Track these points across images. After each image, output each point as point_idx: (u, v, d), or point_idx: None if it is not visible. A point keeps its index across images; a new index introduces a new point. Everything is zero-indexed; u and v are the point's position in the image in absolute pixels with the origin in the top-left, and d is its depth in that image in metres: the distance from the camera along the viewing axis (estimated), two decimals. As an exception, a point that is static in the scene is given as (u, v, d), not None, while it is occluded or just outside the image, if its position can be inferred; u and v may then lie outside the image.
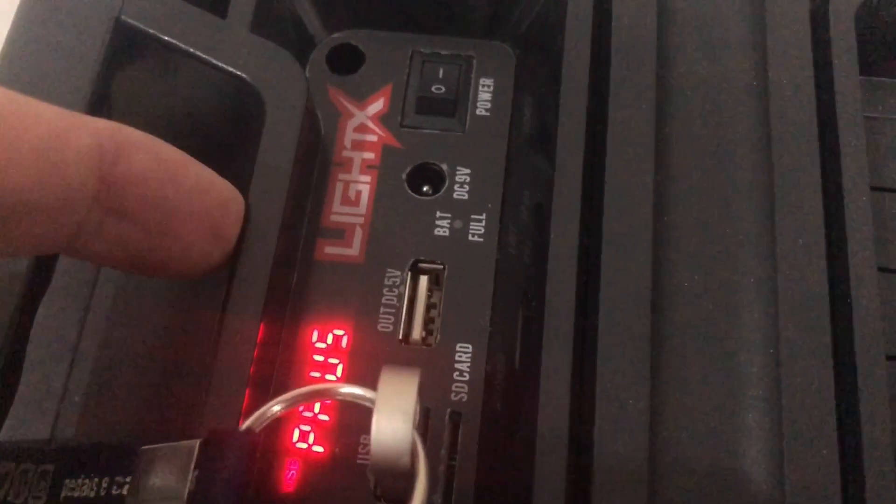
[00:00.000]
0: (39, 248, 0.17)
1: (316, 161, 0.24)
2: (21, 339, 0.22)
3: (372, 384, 0.20)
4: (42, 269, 0.22)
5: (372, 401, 0.17)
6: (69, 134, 0.17)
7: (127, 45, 0.24)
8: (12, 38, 0.25)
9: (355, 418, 0.21)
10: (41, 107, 0.17)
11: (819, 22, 0.24)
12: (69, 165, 0.17)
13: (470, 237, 0.24)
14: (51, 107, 0.17)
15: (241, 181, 0.23)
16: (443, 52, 0.26)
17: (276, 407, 0.18)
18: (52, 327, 0.24)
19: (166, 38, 0.23)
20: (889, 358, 0.21)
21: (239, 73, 0.23)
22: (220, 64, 0.23)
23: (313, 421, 0.21)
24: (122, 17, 0.23)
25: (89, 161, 0.17)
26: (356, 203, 0.24)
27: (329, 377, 0.22)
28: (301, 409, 0.21)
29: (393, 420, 0.16)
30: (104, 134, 0.17)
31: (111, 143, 0.17)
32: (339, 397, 0.18)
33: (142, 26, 0.23)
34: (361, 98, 0.26)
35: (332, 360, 0.22)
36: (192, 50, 0.23)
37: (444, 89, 0.25)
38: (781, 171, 0.22)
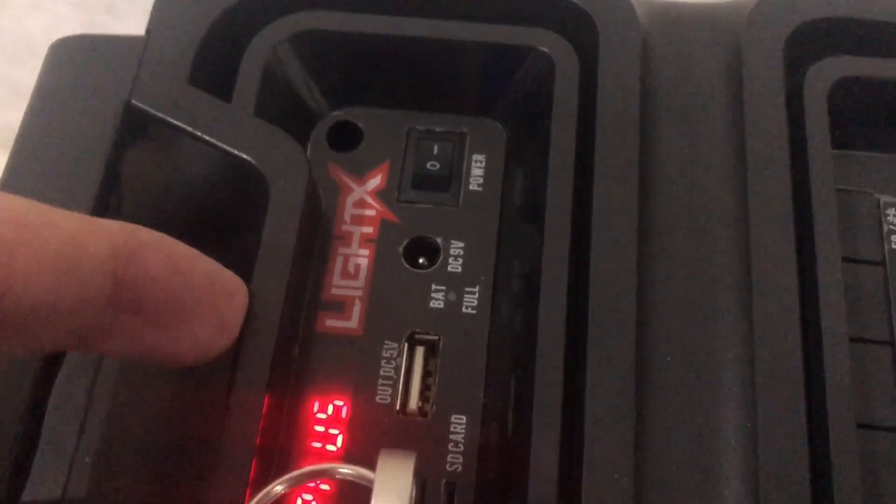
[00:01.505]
0: (53, 347, 0.18)
1: (317, 236, 0.26)
2: (38, 409, 0.23)
3: (371, 455, 0.21)
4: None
5: (371, 481, 0.18)
6: (86, 241, 0.18)
7: (136, 128, 0.25)
8: (28, 120, 0.26)
9: (356, 488, 0.22)
10: (59, 214, 0.18)
11: (794, 100, 0.26)
12: (86, 271, 0.17)
13: (464, 309, 0.25)
14: (67, 214, 0.18)
15: (245, 259, 0.24)
16: (437, 129, 0.27)
17: (278, 487, 0.19)
18: (63, 389, 0.25)
19: (174, 121, 0.24)
20: (861, 426, 0.22)
21: (244, 155, 0.24)
22: (225, 147, 0.24)
23: (315, 491, 0.22)
24: (133, 101, 0.25)
25: (105, 266, 0.18)
26: (355, 276, 0.25)
27: (329, 447, 0.23)
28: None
29: (390, 504, 0.18)
30: (119, 239, 0.18)
31: (125, 247, 0.18)
32: (340, 477, 0.19)
33: (151, 110, 0.25)
34: (360, 174, 0.27)
35: (333, 431, 0.23)
36: (198, 133, 0.24)
37: (438, 165, 0.27)
38: (758, 246, 0.23)
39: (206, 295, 0.20)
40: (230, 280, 0.21)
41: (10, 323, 0.17)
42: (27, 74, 0.51)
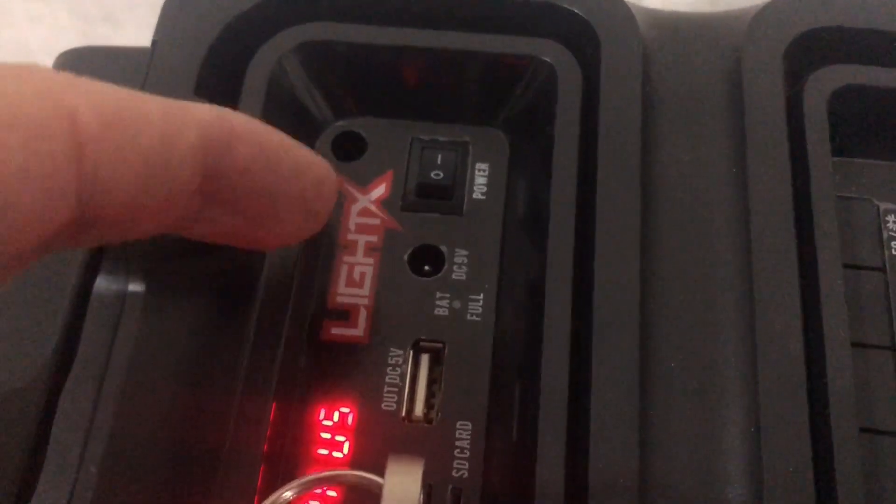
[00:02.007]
0: (138, 236, 0.18)
1: (322, 245, 0.26)
2: (46, 420, 0.23)
3: (377, 462, 0.21)
4: (66, 353, 0.24)
5: (379, 487, 0.18)
6: (176, 135, 0.17)
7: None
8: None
9: (363, 495, 0.22)
10: (148, 104, 0.17)
11: (794, 108, 0.26)
12: (175, 167, 0.17)
13: (468, 316, 0.25)
14: (158, 103, 0.17)
15: (253, 264, 0.24)
16: (441, 139, 0.28)
17: (287, 493, 0.19)
18: (68, 399, 0.25)
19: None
20: (863, 431, 0.23)
21: (249, 165, 0.24)
22: (231, 157, 0.24)
23: (322, 497, 0.23)
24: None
25: (195, 159, 0.17)
26: (360, 285, 0.25)
27: (336, 454, 0.23)
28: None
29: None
30: (210, 128, 0.17)
31: (217, 138, 0.17)
32: (348, 483, 0.19)
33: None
34: (364, 183, 0.27)
35: (339, 438, 0.23)
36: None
37: (442, 174, 0.27)
38: (759, 252, 0.24)
39: (296, 185, 0.20)
40: (320, 167, 0.21)
41: (94, 221, 0.16)
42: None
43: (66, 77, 0.16)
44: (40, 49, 0.51)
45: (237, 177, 0.18)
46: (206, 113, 0.18)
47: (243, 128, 0.18)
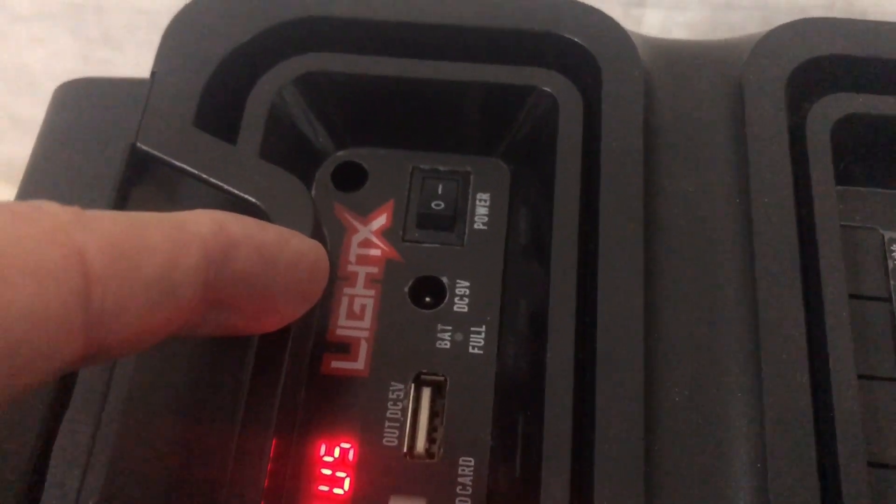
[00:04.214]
0: (143, 349, 0.18)
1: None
2: (45, 452, 0.23)
3: (379, 499, 0.21)
4: (64, 389, 0.23)
5: (380, 528, 0.18)
6: (179, 258, 0.17)
7: (142, 171, 0.25)
8: (34, 163, 0.26)
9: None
10: (152, 232, 0.17)
11: (797, 137, 0.26)
12: (179, 289, 0.17)
13: (470, 349, 0.25)
14: (160, 225, 0.17)
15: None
16: (441, 169, 0.28)
17: (288, 534, 0.19)
18: (67, 432, 0.25)
19: (179, 164, 0.24)
20: (871, 465, 0.22)
21: (249, 197, 0.24)
22: (230, 189, 0.24)
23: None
24: (138, 143, 0.25)
25: (197, 278, 0.18)
26: (361, 317, 0.25)
27: (337, 490, 0.23)
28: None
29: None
30: (210, 244, 0.18)
31: (217, 251, 0.18)
32: (349, 523, 0.19)
33: (156, 153, 0.25)
34: (365, 214, 0.27)
35: (340, 474, 0.23)
36: (203, 175, 0.24)
37: (443, 205, 0.27)
38: (764, 284, 0.23)
39: (293, 276, 0.20)
40: (312, 252, 0.21)
41: (102, 349, 0.16)
42: (26, 107, 0.51)
43: (74, 214, 0.16)
44: (42, 71, 0.51)
45: (237, 282, 0.19)
46: (205, 228, 0.18)
47: (241, 234, 0.19)
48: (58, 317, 0.15)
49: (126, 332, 0.17)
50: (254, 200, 0.24)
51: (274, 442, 0.22)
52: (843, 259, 0.25)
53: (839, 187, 0.26)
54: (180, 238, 0.18)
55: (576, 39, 0.27)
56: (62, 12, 0.49)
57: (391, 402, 0.24)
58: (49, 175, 0.26)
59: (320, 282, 0.21)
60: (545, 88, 0.26)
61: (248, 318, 0.20)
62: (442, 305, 0.25)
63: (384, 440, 0.24)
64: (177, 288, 0.17)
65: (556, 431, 0.21)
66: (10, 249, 0.15)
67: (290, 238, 0.20)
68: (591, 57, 0.26)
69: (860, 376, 0.23)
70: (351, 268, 0.26)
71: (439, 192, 0.27)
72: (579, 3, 0.27)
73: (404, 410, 0.24)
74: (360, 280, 0.26)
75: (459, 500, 0.23)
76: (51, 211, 0.16)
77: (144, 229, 0.17)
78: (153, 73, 0.26)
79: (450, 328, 0.25)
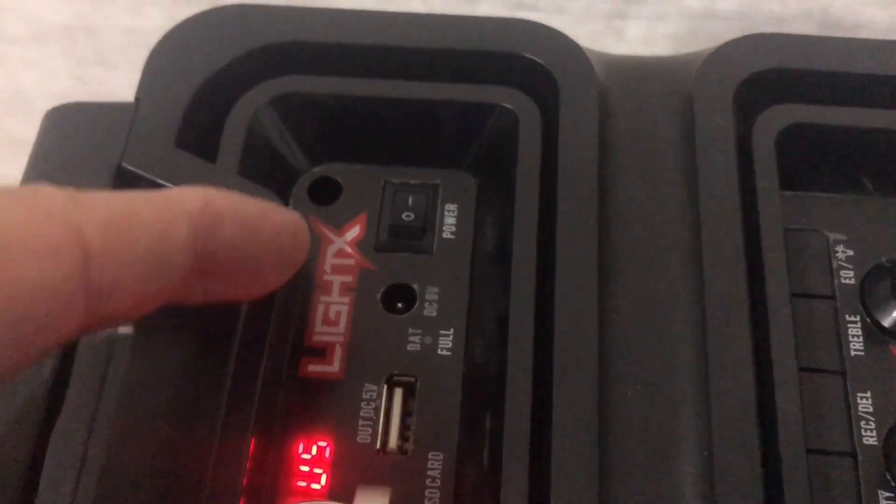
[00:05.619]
0: (136, 318, 0.20)
1: (299, 286, 0.27)
2: (38, 460, 0.25)
3: (354, 492, 0.23)
4: (56, 395, 0.25)
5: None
6: (171, 232, 0.19)
7: (127, 188, 0.26)
8: (26, 181, 0.28)
9: None
10: (143, 206, 0.19)
11: (744, 147, 0.27)
12: (171, 261, 0.19)
13: (439, 351, 0.26)
14: (151, 204, 0.19)
15: (232, 308, 0.26)
16: (412, 182, 0.29)
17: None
18: (61, 437, 0.26)
19: (163, 182, 0.26)
20: (814, 451, 0.24)
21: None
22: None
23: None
24: (123, 164, 0.26)
25: (187, 249, 0.19)
26: (336, 323, 0.27)
27: (314, 486, 0.24)
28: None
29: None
30: (197, 219, 0.19)
31: (205, 224, 0.19)
32: (321, 513, 0.21)
33: (141, 172, 0.26)
34: (340, 226, 0.29)
35: (317, 470, 0.24)
36: (186, 193, 0.26)
37: (413, 216, 0.28)
38: (712, 285, 0.25)
39: (276, 245, 0.22)
40: (293, 224, 0.22)
41: (100, 319, 0.18)
42: (20, 126, 0.52)
43: (71, 195, 0.18)
44: (34, 92, 0.52)
45: (224, 252, 0.20)
46: (193, 203, 0.20)
47: (227, 207, 0.20)
48: (60, 290, 0.17)
49: (122, 302, 0.18)
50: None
51: (254, 441, 0.24)
52: (790, 260, 0.26)
53: (787, 192, 0.28)
54: (170, 214, 0.19)
55: (535, 59, 0.28)
56: (55, 34, 0.51)
57: (365, 402, 0.26)
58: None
59: (301, 251, 0.23)
60: (507, 105, 0.28)
61: (235, 286, 0.22)
62: (412, 311, 0.27)
63: (358, 438, 0.25)
64: (168, 260, 0.19)
65: (515, 426, 0.23)
66: (14, 229, 0.16)
67: (271, 210, 0.22)
68: (549, 75, 0.28)
69: (805, 369, 0.25)
70: (326, 277, 0.28)
71: (410, 203, 0.28)
72: (539, 24, 0.29)
73: (377, 410, 0.25)
74: (336, 288, 0.27)
75: (429, 492, 0.24)
76: (49, 193, 0.18)
77: (136, 207, 0.19)
78: (137, 98, 0.28)
79: (420, 332, 0.27)
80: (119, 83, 0.52)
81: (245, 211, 0.21)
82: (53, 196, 0.18)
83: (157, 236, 0.18)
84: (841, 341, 0.26)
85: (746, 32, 0.45)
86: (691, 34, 0.47)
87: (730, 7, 0.47)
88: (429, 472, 0.24)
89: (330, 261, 0.28)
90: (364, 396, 0.26)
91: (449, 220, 0.29)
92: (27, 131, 0.29)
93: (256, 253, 0.21)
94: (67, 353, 0.26)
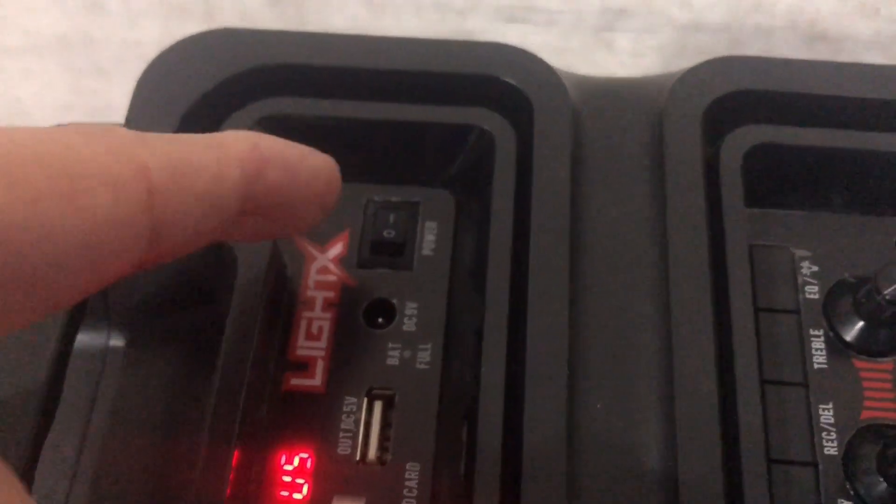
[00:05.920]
0: (187, 253, 0.21)
1: (283, 303, 0.28)
2: (30, 468, 0.26)
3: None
4: (53, 398, 0.26)
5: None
6: (224, 174, 0.20)
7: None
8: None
9: None
10: (200, 151, 0.20)
11: (712, 166, 0.28)
12: (224, 201, 0.20)
13: (418, 365, 0.27)
14: (206, 146, 0.20)
15: (219, 322, 0.27)
16: (393, 200, 0.30)
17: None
18: (55, 443, 0.27)
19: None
20: (776, 461, 0.25)
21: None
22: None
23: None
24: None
25: (238, 191, 0.20)
26: (318, 338, 0.28)
27: (296, 496, 0.25)
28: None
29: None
30: (247, 161, 0.21)
31: (253, 168, 0.21)
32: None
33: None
34: (323, 243, 0.30)
35: (299, 480, 0.26)
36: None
37: (394, 233, 0.29)
38: (677, 299, 0.26)
39: (313, 188, 0.23)
40: (327, 168, 0.24)
41: (159, 253, 0.19)
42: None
43: (138, 135, 0.19)
44: (31, 102, 0.53)
45: (269, 193, 0.22)
46: (243, 147, 0.21)
47: (271, 152, 0.22)
48: (129, 222, 0.18)
49: (179, 238, 0.19)
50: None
51: (238, 453, 0.25)
52: (756, 275, 0.27)
53: (754, 210, 0.29)
54: (223, 156, 0.20)
55: (511, 81, 0.29)
56: (52, 45, 0.51)
57: (346, 415, 0.27)
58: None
59: (334, 193, 0.24)
60: (484, 127, 0.29)
61: (276, 224, 0.23)
62: (392, 325, 0.28)
63: (339, 449, 0.26)
64: (220, 201, 0.20)
65: (488, 437, 0.24)
66: (89, 164, 0.17)
67: (311, 154, 0.23)
68: (524, 97, 0.29)
69: (769, 381, 0.26)
70: (310, 293, 0.29)
71: (391, 221, 0.29)
72: (515, 48, 0.30)
73: (357, 422, 0.26)
74: (318, 304, 0.28)
75: (405, 502, 0.25)
76: (119, 132, 0.19)
77: (194, 149, 0.20)
78: (128, 121, 0.29)
79: (399, 346, 0.28)
80: (115, 94, 0.53)
81: (287, 154, 0.22)
82: (123, 135, 0.19)
83: (212, 178, 0.20)
84: (805, 354, 0.27)
85: (734, 44, 0.46)
86: (679, 46, 0.48)
87: (717, 19, 0.47)
88: (406, 482, 0.26)
89: (313, 277, 0.29)
90: (345, 409, 0.27)
91: (429, 237, 0.30)
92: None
93: (297, 195, 0.23)
94: (60, 365, 0.27)
